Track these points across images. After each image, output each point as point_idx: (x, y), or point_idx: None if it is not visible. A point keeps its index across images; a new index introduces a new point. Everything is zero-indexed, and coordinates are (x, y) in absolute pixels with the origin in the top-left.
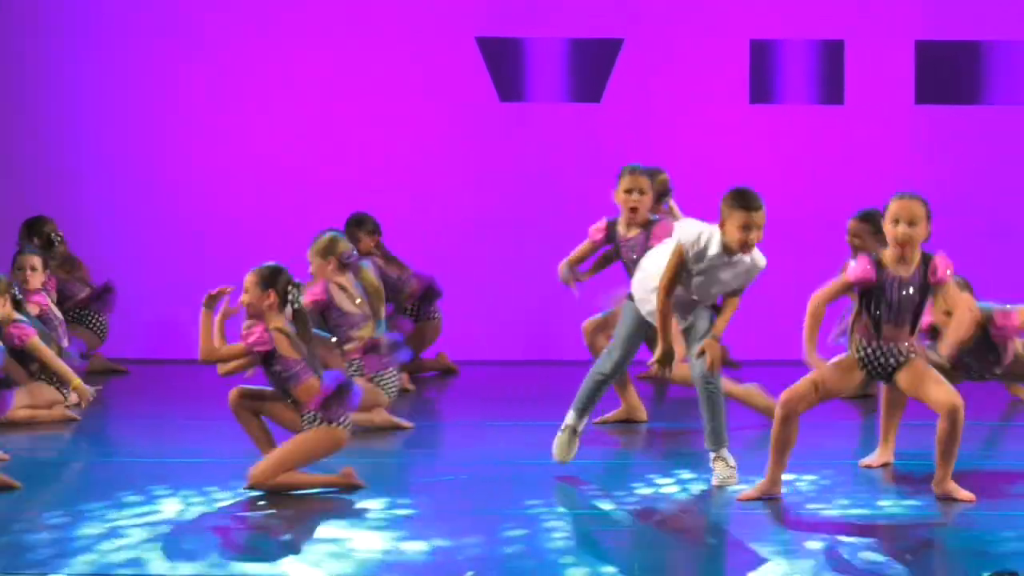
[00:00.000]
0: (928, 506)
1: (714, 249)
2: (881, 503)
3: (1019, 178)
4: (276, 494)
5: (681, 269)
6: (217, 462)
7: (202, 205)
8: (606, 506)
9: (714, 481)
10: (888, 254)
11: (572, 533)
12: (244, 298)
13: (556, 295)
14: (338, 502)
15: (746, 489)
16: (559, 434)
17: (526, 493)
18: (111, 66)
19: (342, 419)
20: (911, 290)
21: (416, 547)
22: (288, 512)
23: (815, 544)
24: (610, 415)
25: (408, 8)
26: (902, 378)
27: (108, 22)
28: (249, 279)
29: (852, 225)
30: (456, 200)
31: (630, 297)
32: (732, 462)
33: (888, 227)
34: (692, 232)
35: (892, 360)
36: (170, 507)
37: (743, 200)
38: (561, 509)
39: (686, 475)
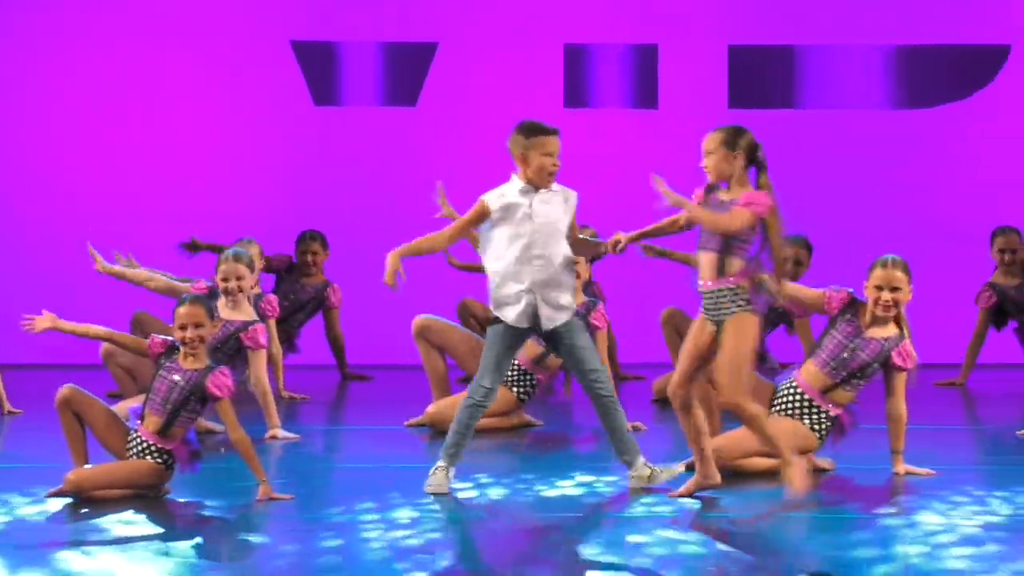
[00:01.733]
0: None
1: (515, 190)
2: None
3: (829, 180)
4: (89, 500)
5: (475, 222)
6: (28, 467)
7: None
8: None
9: (633, 484)
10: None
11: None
12: (205, 331)
13: (373, 298)
14: (154, 505)
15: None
16: (434, 472)
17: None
18: None
19: (174, 470)
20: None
21: (236, 548)
22: (110, 519)
23: (655, 548)
24: (418, 419)
25: (221, 10)
26: (725, 327)
27: None
28: (201, 313)
29: None
30: (270, 204)
31: (495, 320)
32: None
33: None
34: (492, 192)
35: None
36: None
37: (541, 127)
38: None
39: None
